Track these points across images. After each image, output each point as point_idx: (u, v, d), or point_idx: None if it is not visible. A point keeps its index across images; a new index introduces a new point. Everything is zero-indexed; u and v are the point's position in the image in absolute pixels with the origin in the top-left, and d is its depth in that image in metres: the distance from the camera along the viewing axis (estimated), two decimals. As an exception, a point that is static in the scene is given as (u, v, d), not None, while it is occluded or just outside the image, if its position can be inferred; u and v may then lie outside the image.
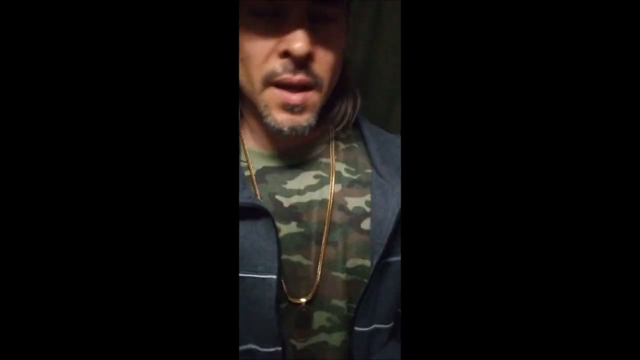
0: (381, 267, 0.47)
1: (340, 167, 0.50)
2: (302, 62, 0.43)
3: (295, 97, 0.45)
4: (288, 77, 0.44)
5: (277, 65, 0.44)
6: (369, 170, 0.50)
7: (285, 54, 0.43)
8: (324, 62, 0.44)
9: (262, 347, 0.45)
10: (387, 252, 0.47)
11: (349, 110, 0.51)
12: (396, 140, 0.55)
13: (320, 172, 0.50)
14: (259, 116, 0.48)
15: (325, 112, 0.50)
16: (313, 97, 0.46)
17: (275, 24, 0.43)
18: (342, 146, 0.52)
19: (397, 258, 0.48)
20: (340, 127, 0.51)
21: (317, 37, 0.42)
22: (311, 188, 0.49)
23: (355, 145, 0.53)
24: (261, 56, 0.44)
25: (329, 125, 0.52)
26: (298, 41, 0.41)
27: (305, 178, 0.50)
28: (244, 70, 0.47)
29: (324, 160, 0.51)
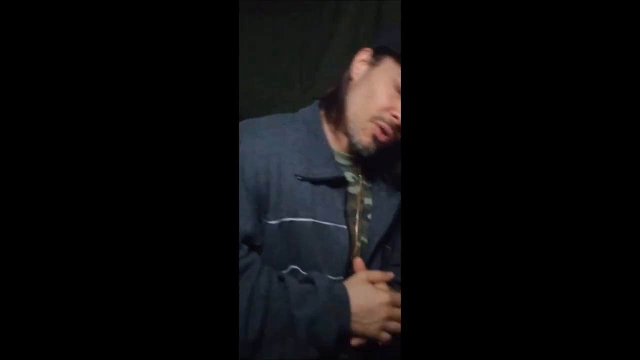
0: (377, 246, 0.73)
1: (362, 177, 0.75)
2: (397, 127, 0.69)
3: (384, 136, 0.69)
4: (387, 127, 0.69)
5: (387, 117, 0.69)
6: (368, 183, 0.76)
7: (395, 117, 0.69)
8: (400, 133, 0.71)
9: (334, 276, 0.68)
10: (385, 239, 0.73)
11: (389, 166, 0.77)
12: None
13: (354, 175, 0.75)
14: (350, 129, 0.72)
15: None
16: (387, 144, 0.71)
17: (400, 95, 0.69)
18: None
19: (387, 247, 0.76)
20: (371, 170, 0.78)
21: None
22: (350, 184, 0.73)
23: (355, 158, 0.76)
24: (384, 98, 0.70)
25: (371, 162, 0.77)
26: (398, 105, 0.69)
27: (348, 176, 0.73)
28: (365, 103, 0.71)
29: (356, 168, 0.75)
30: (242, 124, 0.72)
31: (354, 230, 0.71)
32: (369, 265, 0.71)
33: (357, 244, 0.71)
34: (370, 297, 0.64)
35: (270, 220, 0.67)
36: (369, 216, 0.73)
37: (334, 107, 0.75)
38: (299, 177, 0.68)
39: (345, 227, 0.68)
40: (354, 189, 0.73)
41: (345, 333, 0.63)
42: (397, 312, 0.65)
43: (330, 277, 0.67)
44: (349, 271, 0.69)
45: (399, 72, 0.68)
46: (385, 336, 0.65)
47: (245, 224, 0.66)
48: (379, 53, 0.73)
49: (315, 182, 0.69)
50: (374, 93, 0.70)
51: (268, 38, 1.08)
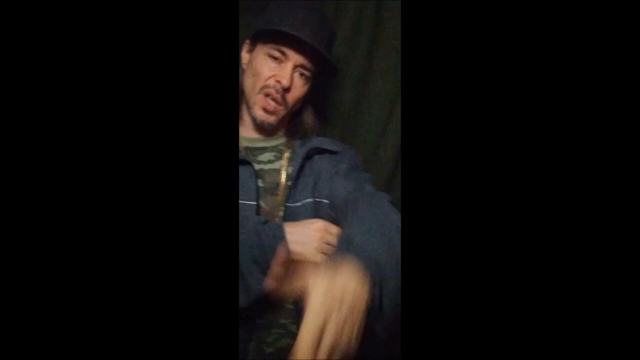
0: (294, 208, 0.81)
1: (287, 153, 0.86)
2: (281, 90, 0.80)
3: (271, 105, 0.81)
4: (271, 91, 0.80)
5: (269, 82, 0.80)
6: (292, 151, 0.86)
7: (278, 82, 0.79)
8: (292, 96, 0.82)
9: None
10: (293, 198, 0.81)
11: (308, 130, 0.88)
12: (324, 140, 0.89)
13: (277, 153, 0.85)
14: (249, 109, 0.84)
15: (289, 124, 0.88)
16: (280, 111, 0.82)
17: (278, 65, 0.80)
18: (292, 141, 0.87)
19: (300, 202, 0.81)
20: (297, 138, 0.87)
21: (295, 81, 0.80)
22: (270, 162, 0.84)
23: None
24: (265, 74, 0.80)
25: (289, 133, 0.88)
26: (285, 78, 0.79)
27: (268, 156, 0.85)
28: (253, 81, 0.82)
29: (281, 147, 0.86)
30: None
31: (273, 203, 0.80)
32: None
33: (280, 213, 0.80)
34: (306, 223, 0.74)
35: None
36: (290, 183, 0.82)
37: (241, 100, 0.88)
38: None
39: (254, 203, 0.77)
40: (275, 165, 0.84)
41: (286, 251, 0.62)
42: (331, 238, 0.71)
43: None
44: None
45: (274, 44, 0.79)
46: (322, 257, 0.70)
47: None
48: (255, 37, 0.84)
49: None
50: (256, 70, 0.81)
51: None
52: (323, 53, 0.80)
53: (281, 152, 0.86)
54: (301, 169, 0.82)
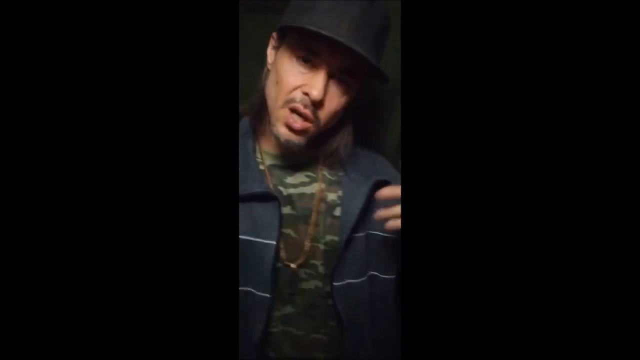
0: (348, 241, 0.66)
1: (325, 171, 0.71)
2: (314, 104, 0.62)
3: (298, 123, 0.63)
4: (298, 105, 0.62)
5: (296, 95, 0.62)
6: (341, 174, 0.70)
7: (306, 94, 0.62)
8: (327, 111, 0.63)
9: (257, 291, 0.63)
10: (354, 230, 0.66)
11: (340, 150, 0.70)
12: (368, 154, 0.75)
13: (310, 173, 0.70)
14: (270, 125, 0.66)
15: (319, 142, 0.70)
16: (310, 129, 0.64)
17: (309, 70, 0.62)
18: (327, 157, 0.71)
19: (361, 234, 0.67)
20: (327, 159, 0.71)
21: (329, 92, 0.62)
22: (303, 184, 0.69)
23: (333, 157, 0.71)
24: (292, 83, 0.62)
25: (319, 153, 0.71)
26: (316, 89, 0.60)
27: (299, 177, 0.70)
28: (275, 90, 0.65)
29: (312, 165, 0.71)
30: None
31: (310, 235, 0.67)
32: (344, 260, 0.67)
33: (320, 246, 0.67)
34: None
35: None
36: (336, 212, 0.68)
37: (258, 111, 0.70)
38: None
39: (273, 242, 0.63)
40: (311, 189, 0.69)
41: None
42: None
43: (254, 291, 0.63)
44: (274, 288, 0.64)
45: (304, 43, 0.62)
46: None
47: None
48: (281, 32, 0.67)
49: (243, 199, 0.64)
50: (280, 77, 0.64)
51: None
52: (366, 57, 0.59)
53: (315, 171, 0.70)
54: (367, 205, 0.66)
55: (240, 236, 0.63)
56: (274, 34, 0.69)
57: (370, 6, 0.62)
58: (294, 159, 0.70)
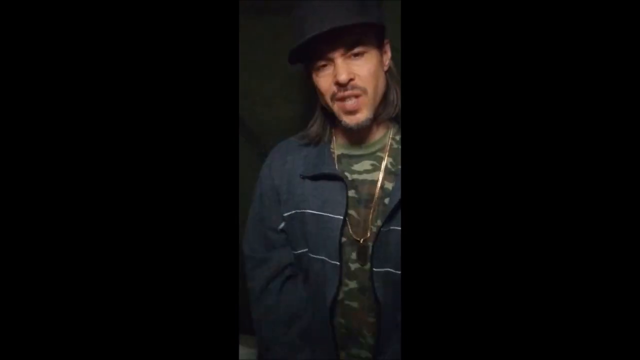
0: (390, 232, 0.75)
1: (388, 160, 0.80)
2: (347, 84, 0.71)
3: (349, 104, 0.73)
4: (341, 94, 0.73)
5: (334, 89, 0.73)
6: (399, 166, 0.79)
7: (337, 83, 0.72)
8: (363, 78, 0.72)
9: (330, 259, 0.78)
10: (389, 221, 0.75)
11: (395, 99, 0.79)
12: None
13: (375, 162, 0.80)
14: (338, 121, 0.77)
15: (381, 109, 0.79)
16: (363, 100, 0.73)
17: (330, 68, 0.73)
18: (394, 145, 0.81)
19: (396, 227, 0.75)
20: (395, 113, 0.79)
21: (354, 67, 0.72)
22: (367, 172, 0.80)
23: (399, 146, 0.81)
24: (327, 86, 0.74)
25: (387, 117, 0.80)
26: (341, 74, 0.71)
27: (365, 165, 0.80)
28: (322, 97, 0.77)
29: (379, 154, 0.80)
30: (281, 145, 0.90)
31: (368, 217, 0.77)
32: (384, 249, 0.75)
33: (372, 228, 0.76)
34: None
35: (284, 212, 0.84)
36: (387, 201, 0.76)
37: (326, 118, 0.84)
38: (301, 177, 0.82)
39: (340, 217, 0.76)
40: (372, 175, 0.79)
41: None
42: None
43: (327, 259, 0.78)
44: (342, 256, 0.78)
45: (311, 56, 0.73)
46: None
47: (272, 217, 0.86)
48: (293, 60, 0.77)
49: (314, 178, 0.80)
50: (319, 89, 0.76)
51: (268, 38, 1.08)
52: (352, 24, 0.67)
53: (380, 160, 0.80)
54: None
55: (311, 211, 0.78)
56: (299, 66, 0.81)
57: None
58: (362, 150, 0.81)
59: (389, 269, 0.75)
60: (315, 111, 0.85)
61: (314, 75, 0.76)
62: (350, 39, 0.70)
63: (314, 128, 0.84)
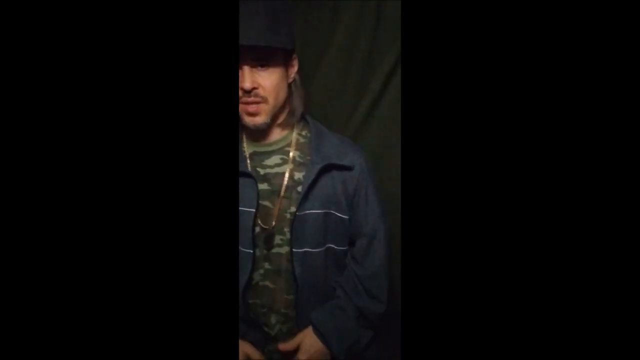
0: (307, 215, 0.85)
1: (295, 154, 0.88)
2: (251, 91, 0.80)
3: (251, 108, 0.82)
4: (245, 98, 0.81)
5: (240, 92, 0.81)
6: (309, 157, 0.87)
7: (242, 89, 0.80)
8: (266, 88, 0.81)
9: (243, 248, 0.85)
10: (302, 206, 0.84)
11: (298, 106, 0.88)
12: (329, 134, 0.91)
13: (283, 156, 0.88)
14: (242, 121, 0.85)
15: (283, 114, 0.87)
16: (263, 107, 0.82)
17: (241, 74, 0.80)
18: (300, 140, 0.90)
19: (320, 211, 0.86)
20: (296, 117, 0.88)
21: (258, 78, 0.80)
22: (277, 165, 0.88)
23: (305, 140, 0.90)
24: (240, 89, 0.81)
25: (291, 122, 0.89)
26: (245, 82, 0.79)
27: (275, 159, 0.88)
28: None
29: (286, 149, 0.89)
30: None
31: (280, 205, 0.86)
32: (303, 231, 0.85)
33: (287, 215, 0.86)
34: None
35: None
36: (299, 189, 0.85)
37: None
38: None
39: (252, 209, 0.84)
40: (283, 168, 0.87)
41: None
42: None
43: (241, 248, 0.85)
44: (256, 244, 0.86)
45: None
46: None
47: None
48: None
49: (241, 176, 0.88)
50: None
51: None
52: (263, 45, 0.76)
53: (287, 154, 0.88)
54: (315, 181, 0.84)
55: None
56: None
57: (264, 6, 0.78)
58: (270, 146, 0.89)
59: (307, 249, 0.85)
60: None
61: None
62: (258, 53, 0.79)
63: None
